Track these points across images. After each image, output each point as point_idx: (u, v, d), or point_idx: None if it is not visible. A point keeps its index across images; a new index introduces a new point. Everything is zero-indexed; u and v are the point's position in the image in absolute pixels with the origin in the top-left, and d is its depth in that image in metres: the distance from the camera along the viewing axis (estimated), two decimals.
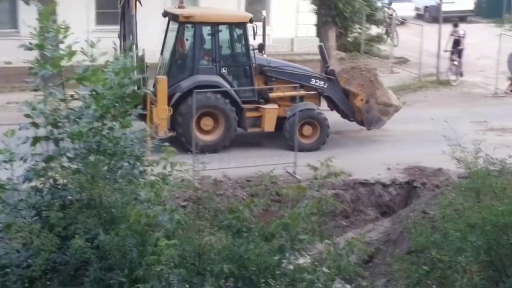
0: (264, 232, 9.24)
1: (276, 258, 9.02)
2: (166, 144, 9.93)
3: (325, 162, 9.72)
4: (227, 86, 20.53)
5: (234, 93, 20.53)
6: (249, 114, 20.85)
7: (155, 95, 20.00)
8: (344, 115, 22.36)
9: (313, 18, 31.23)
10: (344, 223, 17.92)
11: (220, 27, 21.00)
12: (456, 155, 12.04)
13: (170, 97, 20.22)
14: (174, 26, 21.29)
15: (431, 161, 19.41)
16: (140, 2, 20.49)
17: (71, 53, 9.66)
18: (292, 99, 21.39)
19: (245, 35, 21.13)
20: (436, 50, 30.17)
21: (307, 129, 21.09)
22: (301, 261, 9.31)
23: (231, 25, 21.28)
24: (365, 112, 21.60)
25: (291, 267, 9.13)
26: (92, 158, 9.82)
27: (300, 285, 8.98)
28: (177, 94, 20.24)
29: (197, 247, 8.75)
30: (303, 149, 20.08)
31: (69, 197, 9.73)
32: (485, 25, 42.26)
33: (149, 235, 9.01)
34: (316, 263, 9.31)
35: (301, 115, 20.82)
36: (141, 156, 10.67)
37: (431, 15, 41.32)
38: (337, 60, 30.26)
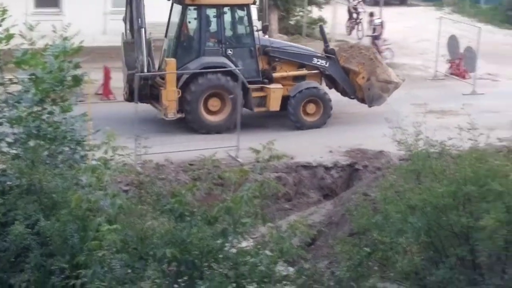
0: (207, 216, 9.24)
1: (219, 241, 9.02)
2: (107, 128, 9.81)
3: (267, 145, 9.74)
4: (233, 67, 20.68)
5: (240, 73, 20.52)
6: (254, 94, 21.12)
7: (162, 78, 20.23)
8: (344, 93, 22.69)
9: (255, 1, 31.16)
10: (287, 206, 17.98)
11: (225, 9, 21.18)
12: (397, 137, 12.15)
13: (177, 79, 20.40)
14: (177, 9, 21.37)
15: (373, 143, 19.55)
16: None
17: (9, 36, 9.52)
18: (295, 78, 21.85)
19: (248, 16, 21.44)
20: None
21: (311, 107, 21.53)
22: (244, 244, 9.33)
23: (235, 7, 21.44)
24: (366, 90, 21.99)
25: (234, 250, 9.15)
26: (32, 143, 9.72)
27: (243, 268, 9.01)
28: (185, 76, 20.42)
29: (139, 232, 8.71)
30: (307, 126, 20.97)
31: (9, 183, 9.62)
32: (425, 8, 42.62)
33: (91, 220, 8.96)
34: (259, 246, 9.34)
35: (305, 94, 21.35)
36: (82, 140, 10.58)
37: None
38: None
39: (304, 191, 18.64)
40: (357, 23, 33.44)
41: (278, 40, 23.23)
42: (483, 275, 10.88)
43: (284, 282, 9.67)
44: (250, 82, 20.93)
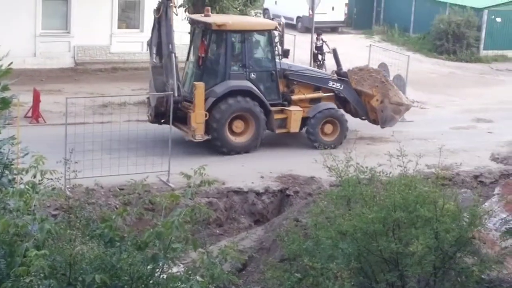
0: (137, 241, 9.13)
1: (149, 267, 8.92)
2: (35, 152, 9.63)
3: (199, 170, 9.69)
4: (256, 91, 21.50)
5: (263, 97, 21.55)
6: (276, 116, 21.91)
7: (188, 101, 20.96)
8: (355, 114, 23.44)
9: (187, 26, 31.14)
10: (218, 231, 17.93)
11: (249, 34, 21.96)
12: (327, 163, 12.23)
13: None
14: (198, 33, 22.16)
15: (304, 169, 19.66)
16: (176, 12, 21.45)
17: None
18: (311, 100, 22.73)
19: (270, 41, 22.19)
20: (308, 59, 30.70)
21: (328, 128, 22.40)
22: (174, 270, 9.23)
23: (259, 32, 22.38)
24: (380, 112, 22.82)
25: (164, 276, 9.05)
26: None
27: None
28: (211, 99, 20.96)
29: (68, 257, 8.56)
30: (325, 145, 20.59)
31: None
32: (355, 36, 43.19)
33: (18, 245, 8.76)
34: (190, 272, 9.25)
35: (324, 114, 22.31)
36: (10, 164, 10.38)
37: (304, 25, 41.95)
38: None
39: (235, 217, 18.61)
40: (323, 64, 32.32)
41: (296, 64, 24.35)
42: None
43: None
44: (271, 105, 21.82)
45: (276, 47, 22.20)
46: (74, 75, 29.60)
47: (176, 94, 20.60)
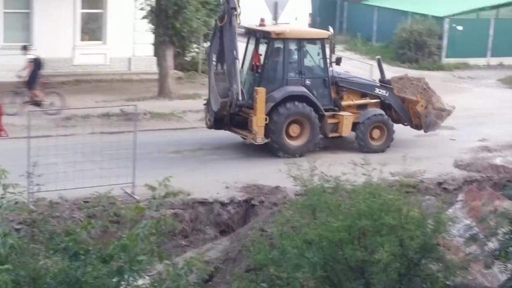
0: (102, 254, 9.07)
1: (114, 280, 8.88)
2: None
3: (163, 182, 9.67)
4: (312, 96, 22.46)
5: (318, 102, 22.49)
6: (329, 121, 22.83)
7: (248, 107, 21.88)
8: (398, 120, 24.26)
9: (150, 38, 31.11)
10: (183, 242, 17.85)
11: (305, 42, 22.95)
12: (292, 173, 12.26)
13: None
14: (253, 42, 23.22)
15: (269, 179, 19.66)
16: (240, 20, 22.16)
17: None
18: (358, 106, 23.66)
19: (323, 49, 23.11)
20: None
21: (376, 133, 23.29)
22: (140, 282, 9.19)
23: (313, 41, 23.30)
24: (424, 117, 23.79)
25: None
26: None
27: None
28: (270, 104, 21.91)
29: (32, 272, 8.50)
30: (373, 150, 22.67)
31: None
32: None
33: None
34: (156, 284, 9.23)
35: (372, 120, 23.21)
36: None
37: None
38: (175, 80, 30.26)
39: (201, 228, 18.55)
40: None
41: (344, 71, 25.22)
42: None
43: None
44: (324, 110, 22.71)
45: (329, 55, 23.13)
46: None
47: (240, 98, 21.58)
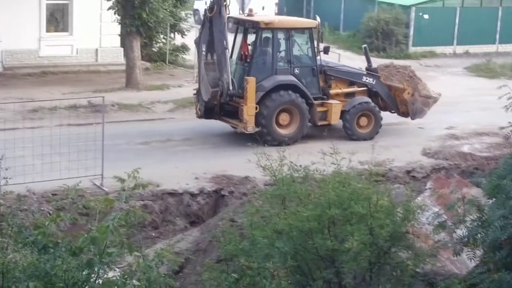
0: (72, 247, 9.01)
1: (84, 273, 8.81)
2: None
3: (132, 174, 9.62)
4: (301, 85, 22.80)
5: (307, 91, 22.87)
6: (318, 109, 23.18)
7: (238, 96, 22.19)
8: (385, 108, 24.62)
9: (117, 28, 30.94)
10: (153, 234, 17.81)
11: (293, 32, 23.32)
12: (261, 163, 12.26)
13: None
14: (241, 32, 23.68)
15: (238, 169, 19.67)
16: (229, 10, 22.49)
17: None
18: (346, 95, 24.03)
19: (311, 38, 23.43)
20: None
21: (363, 120, 23.67)
22: (110, 274, 9.14)
23: (302, 30, 23.85)
24: (411, 104, 24.19)
25: (100, 281, 8.96)
26: None
27: None
28: (260, 93, 22.24)
29: (0, 266, 8.42)
30: (361, 138, 23.17)
31: None
32: None
33: None
34: (126, 276, 9.17)
35: (358, 108, 23.56)
36: None
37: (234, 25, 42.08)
38: (143, 70, 30.12)
39: (171, 219, 18.51)
40: None
41: (332, 60, 25.80)
42: None
43: None
44: (313, 98, 23.13)
45: (317, 44, 23.44)
46: (2, 80, 29.16)
47: (230, 88, 21.93)
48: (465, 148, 23.22)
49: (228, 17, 23.00)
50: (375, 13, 40.45)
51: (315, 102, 23.13)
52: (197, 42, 23.08)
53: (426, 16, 40.62)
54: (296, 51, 23.44)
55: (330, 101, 23.51)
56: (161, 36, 34.19)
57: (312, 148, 20.87)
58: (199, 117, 23.10)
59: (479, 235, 11.11)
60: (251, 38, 23.37)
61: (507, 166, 11.23)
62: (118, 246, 9.10)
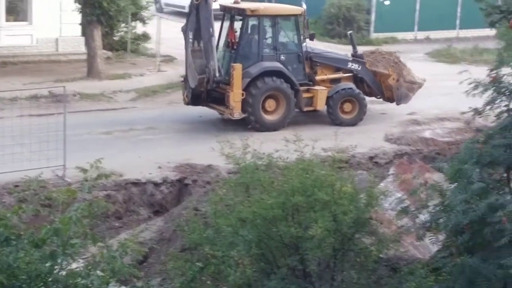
0: (34, 239, 8.95)
1: (47, 265, 8.76)
2: None
3: (95, 164, 9.58)
4: (287, 71, 23.05)
5: (293, 77, 23.09)
6: (304, 95, 23.44)
7: (225, 83, 22.43)
8: (370, 94, 24.92)
9: (77, 17, 30.66)
10: (117, 224, 17.74)
11: (279, 19, 23.59)
12: (225, 151, 12.25)
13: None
14: (228, 18, 23.99)
15: (201, 158, 19.63)
16: None
17: None
18: (332, 81, 24.25)
19: (297, 25, 23.72)
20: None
21: (348, 106, 23.86)
22: (74, 266, 9.10)
23: (287, 17, 24.08)
24: (395, 90, 24.40)
25: (64, 273, 8.91)
26: None
27: None
28: (246, 79, 22.42)
29: None
30: (345, 123, 23.54)
31: None
32: None
33: None
34: (90, 267, 9.14)
35: (341, 94, 23.75)
36: None
37: None
38: (104, 60, 29.91)
39: (134, 209, 18.45)
40: None
41: (318, 47, 26.15)
42: (313, 283, 11.12)
43: None
44: (299, 85, 23.35)
45: (302, 31, 23.73)
46: None
47: (217, 75, 22.19)
48: (427, 134, 23.38)
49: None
50: None
51: (301, 88, 23.40)
52: (184, 30, 23.25)
53: (387, 2, 40.73)
54: (282, 38, 23.74)
55: (316, 87, 23.79)
56: (122, 24, 33.96)
57: (275, 135, 20.92)
58: (187, 104, 23.27)
59: (441, 219, 11.20)
60: (238, 25, 23.63)
61: (468, 151, 11.31)
62: (81, 237, 9.06)
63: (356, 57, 25.10)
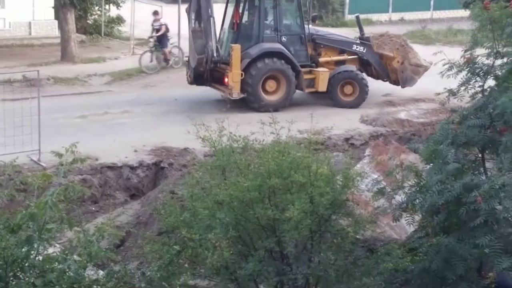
0: (10, 224, 8.90)
1: (24, 250, 8.72)
2: None
3: (70, 148, 9.52)
4: (287, 52, 23.31)
5: (294, 58, 23.37)
6: (305, 77, 23.71)
7: (224, 63, 22.88)
8: (377, 77, 25.22)
9: (50, 1, 30.46)
10: (93, 208, 17.70)
11: (282, 0, 23.74)
12: (200, 134, 12.22)
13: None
14: (233, 1, 24.36)
15: (177, 141, 19.59)
16: None
17: None
18: (336, 63, 24.64)
19: (299, 7, 24.05)
20: (177, 31, 30.42)
21: (348, 89, 24.10)
22: (50, 250, 9.07)
23: None
24: (400, 72, 24.57)
25: (40, 258, 8.87)
26: None
27: (51, 275, 8.74)
28: (246, 60, 22.80)
29: None
30: (345, 106, 23.91)
31: None
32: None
33: None
34: (67, 252, 9.11)
35: (341, 76, 24.05)
36: None
37: None
38: (78, 43, 29.74)
39: (110, 192, 18.41)
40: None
41: (322, 29, 26.64)
42: (291, 265, 11.14)
43: (94, 287, 9.50)
44: (301, 66, 23.66)
45: (306, 13, 24.27)
46: None
47: (215, 55, 22.70)
48: (402, 115, 23.49)
49: None
50: None
51: (303, 69, 23.59)
52: (188, 11, 23.61)
53: None
54: (284, 19, 24.06)
55: (318, 68, 23.98)
56: (96, 8, 33.78)
57: (251, 118, 20.88)
58: (190, 83, 23.69)
59: (417, 200, 11.28)
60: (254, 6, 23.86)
61: (443, 132, 11.38)
62: (57, 221, 9.03)
63: (363, 39, 25.30)
